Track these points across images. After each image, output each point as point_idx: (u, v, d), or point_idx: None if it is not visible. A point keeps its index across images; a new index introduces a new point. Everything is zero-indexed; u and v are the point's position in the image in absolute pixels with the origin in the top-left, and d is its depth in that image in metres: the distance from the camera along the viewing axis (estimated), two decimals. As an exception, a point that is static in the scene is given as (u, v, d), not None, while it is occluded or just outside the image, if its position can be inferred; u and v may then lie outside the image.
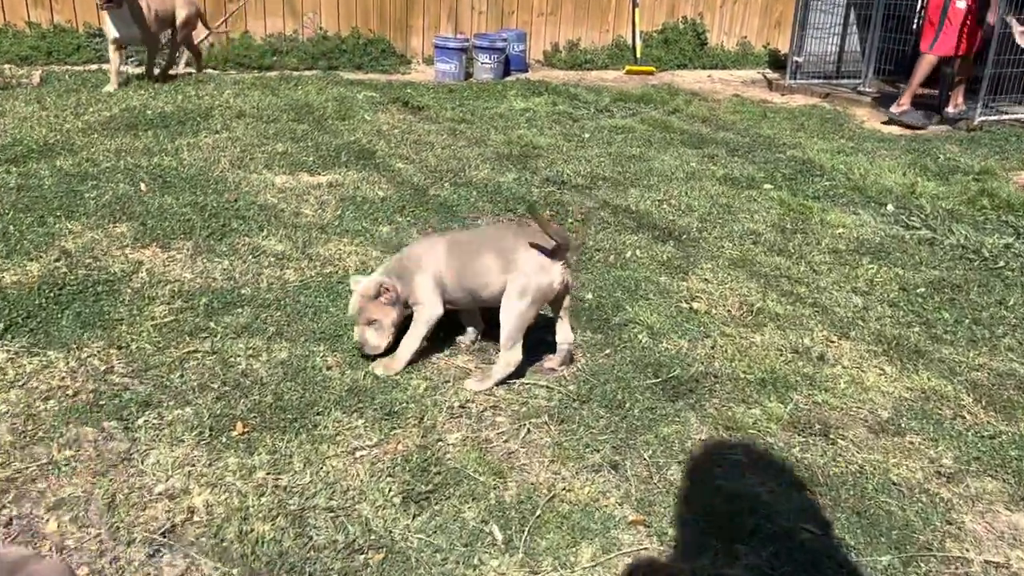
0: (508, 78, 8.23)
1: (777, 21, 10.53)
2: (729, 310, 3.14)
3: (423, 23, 8.46)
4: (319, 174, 4.43)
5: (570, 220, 4.02)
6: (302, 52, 7.86)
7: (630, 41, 9.50)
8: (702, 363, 2.71)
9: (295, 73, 7.41)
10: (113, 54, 5.87)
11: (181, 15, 6.20)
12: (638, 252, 3.67)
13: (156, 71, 6.35)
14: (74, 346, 2.39)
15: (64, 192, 3.65)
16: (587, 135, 5.82)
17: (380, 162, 4.73)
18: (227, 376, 2.35)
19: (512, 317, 2.39)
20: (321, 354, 2.53)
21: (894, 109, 6.93)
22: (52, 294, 2.68)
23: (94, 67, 6.75)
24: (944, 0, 6.56)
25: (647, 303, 3.13)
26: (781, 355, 2.81)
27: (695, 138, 5.96)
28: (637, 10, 9.41)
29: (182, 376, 2.32)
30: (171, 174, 4.08)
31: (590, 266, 3.48)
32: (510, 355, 2.42)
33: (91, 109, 5.23)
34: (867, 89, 8.26)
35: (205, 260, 3.15)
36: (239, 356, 2.44)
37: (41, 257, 2.98)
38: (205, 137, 4.86)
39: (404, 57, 8.44)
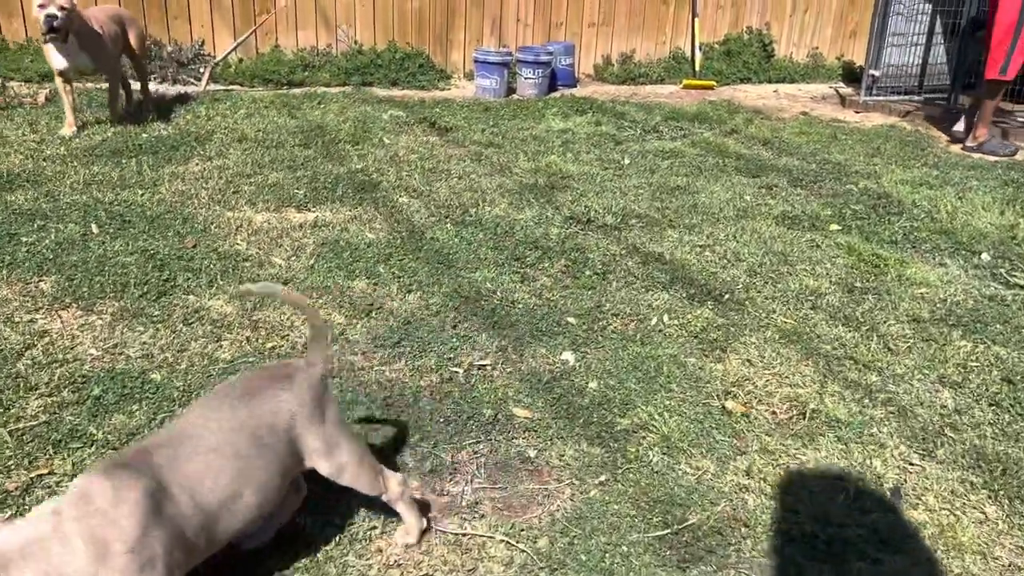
0: (553, 94, 7.59)
1: (852, 31, 9.58)
2: (774, 411, 2.41)
3: (465, 36, 7.90)
4: (308, 210, 3.88)
5: (588, 272, 3.34)
6: (335, 67, 7.39)
7: (689, 53, 8.73)
8: (730, 501, 1.99)
9: (324, 90, 6.93)
10: (63, 89, 4.78)
11: (132, 32, 5.24)
12: (666, 319, 2.96)
13: (122, 104, 5.30)
14: None
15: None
16: (627, 161, 5.12)
17: (382, 195, 4.14)
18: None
19: (350, 455, 1.66)
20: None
21: (970, 143, 5.98)
22: (-93, 381, 2.16)
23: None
24: (1018, 20, 5.60)
25: (667, 398, 2.43)
26: (839, 489, 2.07)
27: (752, 164, 5.19)
28: (697, 20, 8.64)
29: (18, 512, 1.75)
30: (134, 212, 3.58)
31: (601, 338, 2.79)
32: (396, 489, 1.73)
33: (83, 133, 4.82)
34: (954, 106, 7.29)
35: (126, 328, 2.60)
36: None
37: (-75, 325, 2.48)
38: (194, 165, 4.37)
39: (444, 72, 7.89)
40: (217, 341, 2.59)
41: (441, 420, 2.25)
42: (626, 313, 3.01)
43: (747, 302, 3.15)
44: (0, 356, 2.35)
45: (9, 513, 1.73)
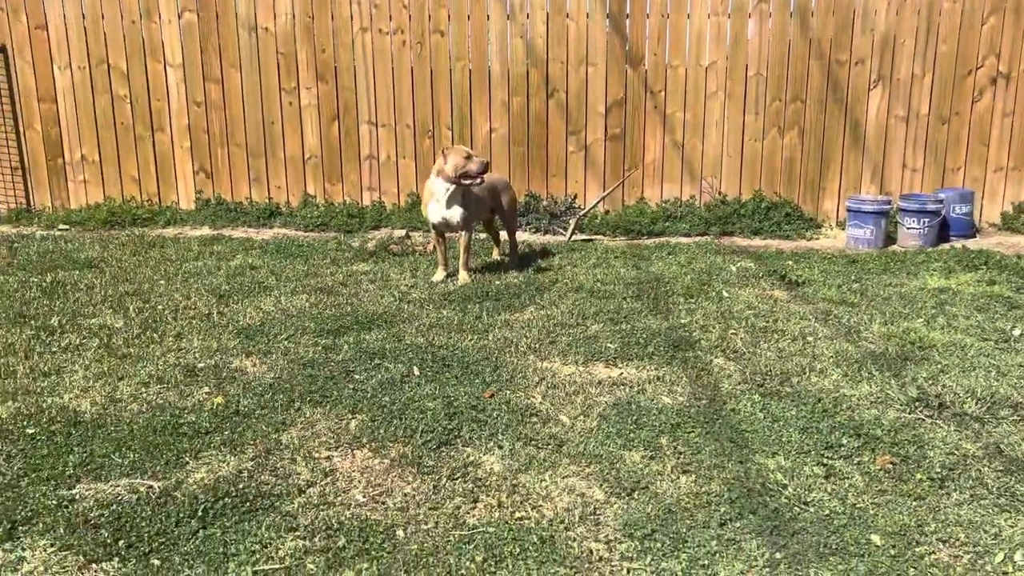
0: (943, 245, 6.61)
1: None
2: None
3: (840, 184, 7.37)
4: (615, 366, 3.78)
5: (919, 475, 2.66)
6: (696, 217, 7.40)
7: None
8: None
9: (679, 240, 6.96)
10: (436, 239, 5.46)
11: (505, 197, 5.75)
12: (1017, 560, 2.20)
13: (470, 263, 5.47)
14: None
15: (337, 373, 3.62)
16: (1018, 332, 4.14)
17: (696, 355, 3.89)
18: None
19: None
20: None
21: None
22: (207, 505, 2.47)
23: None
24: None
25: None
26: None
27: None
28: None
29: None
30: (456, 357, 3.84)
31: (912, 572, 2.15)
32: None
33: (451, 279, 5.42)
34: None
35: (397, 476, 2.71)
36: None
37: (247, 450, 2.87)
38: (528, 313, 4.60)
39: (813, 221, 7.41)
40: (473, 502, 2.56)
41: (662, 646, 1.89)
42: (960, 540, 2.30)
43: None
44: (288, 491, 2.60)
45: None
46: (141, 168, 7.84)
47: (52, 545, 2.25)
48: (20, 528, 2.33)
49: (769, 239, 7.10)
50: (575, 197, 7.59)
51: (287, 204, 7.80)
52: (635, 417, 3.16)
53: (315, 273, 5.59)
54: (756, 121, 7.32)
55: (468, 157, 5.15)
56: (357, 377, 3.59)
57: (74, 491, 2.54)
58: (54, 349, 3.91)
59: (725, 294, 5.02)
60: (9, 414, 3.12)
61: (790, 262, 5.89)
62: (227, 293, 5.01)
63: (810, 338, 4.14)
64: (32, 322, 4.33)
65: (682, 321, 4.45)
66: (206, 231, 7.33)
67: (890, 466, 2.75)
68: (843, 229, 7.14)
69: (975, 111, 7.07)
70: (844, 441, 2.92)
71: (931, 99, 7.09)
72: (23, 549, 2.24)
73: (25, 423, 3.03)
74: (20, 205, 7.96)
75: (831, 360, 3.81)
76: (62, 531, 2.31)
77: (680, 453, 2.87)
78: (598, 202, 7.24)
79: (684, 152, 7.45)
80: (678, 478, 2.69)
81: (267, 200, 7.81)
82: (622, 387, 3.51)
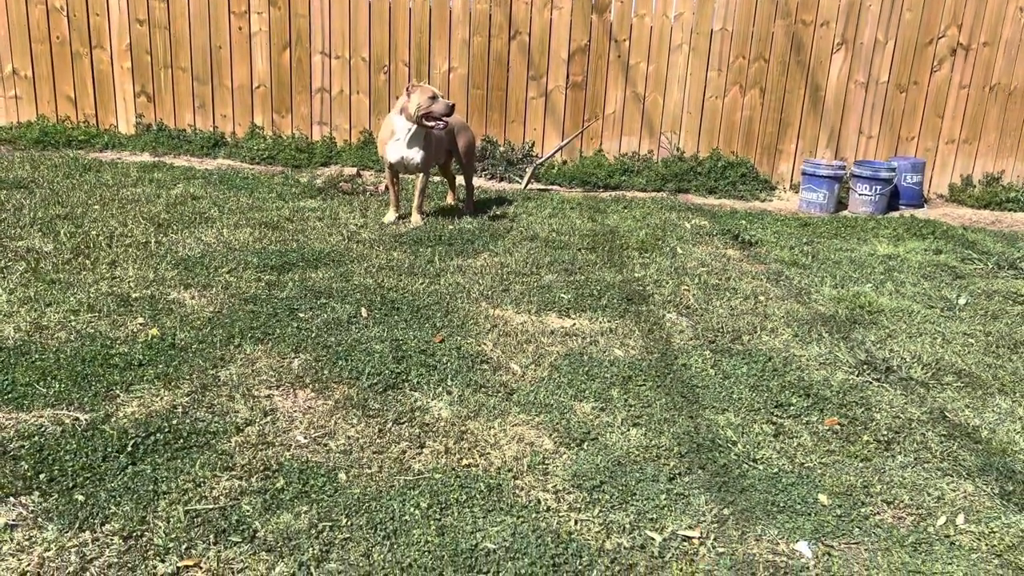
0: (892, 213, 6.70)
1: None
2: None
3: (796, 147, 7.37)
4: (568, 316, 3.72)
5: (866, 437, 2.68)
6: (653, 173, 7.34)
7: (1085, 175, 7.18)
8: None
9: (635, 194, 6.90)
10: (390, 180, 5.27)
11: (461, 140, 5.58)
12: (961, 521, 2.22)
13: (423, 206, 5.39)
14: (84, 526, 1.97)
15: (281, 310, 3.47)
16: (963, 300, 4.21)
17: (649, 310, 3.85)
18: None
19: None
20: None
21: None
22: (138, 440, 2.34)
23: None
24: None
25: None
26: None
27: None
28: (1100, 135, 7.10)
29: (153, 596, 1.73)
30: (406, 300, 3.72)
31: (858, 531, 2.16)
32: None
33: (401, 220, 5.26)
34: None
35: (340, 419, 2.61)
36: (239, 583, 1.78)
37: (182, 385, 2.73)
38: (480, 260, 4.50)
39: (768, 183, 7.42)
40: (419, 448, 2.48)
41: (609, 599, 1.85)
42: (904, 502, 2.32)
43: (1097, 520, 2.26)
44: (224, 429, 2.48)
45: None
46: (78, 87, 7.40)
47: (-35, 477, 2.10)
48: (-70, 458, 2.17)
49: (724, 199, 7.10)
50: (533, 145, 7.45)
51: (233, 135, 7.47)
52: (587, 368, 3.11)
53: (260, 207, 5.37)
54: (719, 78, 7.25)
55: (433, 98, 4.95)
56: (301, 315, 3.46)
57: (-8, 421, 2.38)
58: (-25, 271, 3.67)
59: (679, 250, 4.99)
60: (-78, 337, 2.91)
61: (744, 222, 5.89)
62: (166, 222, 4.77)
63: (761, 297, 4.15)
64: (-48, 241, 4.05)
65: (636, 275, 4.41)
66: (146, 157, 6.99)
67: (838, 427, 2.76)
68: (796, 192, 7.19)
69: (933, 81, 7.11)
70: (793, 400, 2.93)
71: (892, 66, 7.10)
72: (-67, 480, 2.08)
73: (-60, 347, 2.83)
74: (-57, 118, 7.46)
75: (782, 320, 3.81)
76: (-23, 463, 2.16)
77: (631, 406, 2.83)
78: (557, 151, 7.11)
79: (645, 105, 7.35)
80: (628, 431, 2.66)
81: (212, 129, 7.47)
82: (574, 338, 3.46)
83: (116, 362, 2.83)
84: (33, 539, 1.89)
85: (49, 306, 3.32)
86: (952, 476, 2.48)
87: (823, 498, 2.32)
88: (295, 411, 2.65)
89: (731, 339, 3.53)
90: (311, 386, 2.83)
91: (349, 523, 2.05)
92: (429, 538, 2.01)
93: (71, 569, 1.80)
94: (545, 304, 3.84)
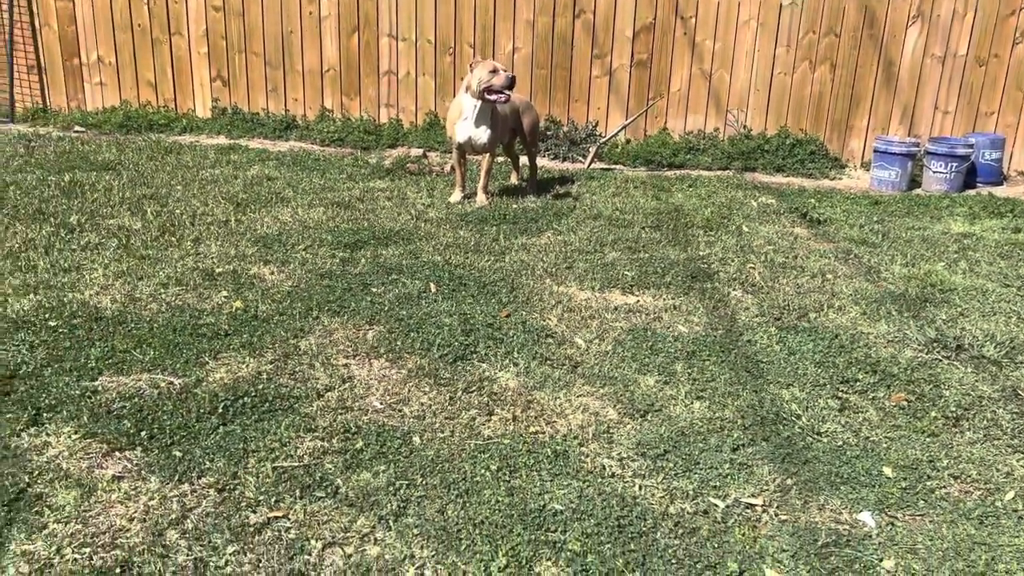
0: (968, 191, 6.51)
1: None
2: None
3: (868, 123, 7.20)
4: (632, 293, 3.77)
5: (934, 413, 2.67)
6: (719, 151, 7.27)
7: None
8: None
9: (701, 173, 6.86)
10: (457, 160, 5.34)
11: (526, 119, 5.64)
12: (1029, 497, 2.22)
13: (488, 186, 5.46)
14: (183, 479, 2.13)
15: (355, 285, 3.62)
16: (1041, 280, 4.10)
17: (714, 287, 3.87)
18: (280, 568, 1.84)
19: None
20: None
21: None
22: (228, 403, 2.50)
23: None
24: None
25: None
26: None
27: None
28: None
29: (236, 560, 1.87)
30: (472, 276, 3.83)
31: (923, 504, 2.17)
32: None
33: (468, 200, 5.37)
34: None
35: (413, 387, 2.74)
36: (312, 544, 1.91)
37: (266, 354, 2.89)
38: (544, 238, 4.57)
39: (838, 161, 7.27)
40: (488, 415, 2.59)
41: (673, 560, 1.92)
42: (971, 477, 2.32)
43: None
44: (306, 394, 2.62)
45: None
46: (158, 73, 7.72)
47: (76, 432, 2.29)
48: (45, 415, 2.37)
49: (792, 177, 7.00)
50: (596, 124, 7.46)
51: (304, 117, 7.69)
52: (650, 343, 3.17)
53: (332, 187, 5.55)
54: (787, 54, 7.12)
55: (494, 71, 5.01)
56: (374, 290, 3.59)
57: (96, 383, 2.58)
58: (74, 247, 3.91)
59: (745, 229, 4.97)
60: (31, 306, 3.14)
61: (812, 200, 5.81)
62: (244, 202, 4.98)
63: (829, 276, 4.11)
64: (51, 219, 4.32)
65: (701, 253, 4.42)
66: (222, 140, 7.26)
67: (905, 403, 2.75)
68: (867, 170, 7.03)
69: (1015, 54, 6.84)
70: (860, 376, 2.93)
71: (971, 39, 6.86)
72: (48, 435, 2.28)
73: (47, 316, 3.05)
74: (36, 104, 7.88)
75: (850, 298, 3.79)
76: (86, 419, 2.35)
77: (695, 380, 2.88)
78: (621, 129, 7.11)
79: (711, 83, 7.28)
80: (692, 403, 2.71)
81: (284, 112, 7.70)
82: (638, 314, 3.51)
83: (204, 332, 3.01)
84: (138, 489, 2.06)
85: (141, 280, 3.54)
86: (1023, 453, 2.46)
87: (888, 471, 2.33)
88: (371, 379, 2.78)
89: (797, 316, 3.53)
90: (385, 356, 2.96)
91: (424, 482, 2.17)
92: (499, 498, 2.11)
93: (173, 517, 1.96)
94: (609, 281, 3.90)
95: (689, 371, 2.94)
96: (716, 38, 7.16)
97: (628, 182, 6.24)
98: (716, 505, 2.15)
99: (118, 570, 1.76)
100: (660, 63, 7.25)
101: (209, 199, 4.99)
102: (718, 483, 2.25)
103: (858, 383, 2.88)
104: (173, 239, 4.15)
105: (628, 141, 7.44)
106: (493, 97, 5.03)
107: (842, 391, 2.83)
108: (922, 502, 2.20)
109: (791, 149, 7.24)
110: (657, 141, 7.39)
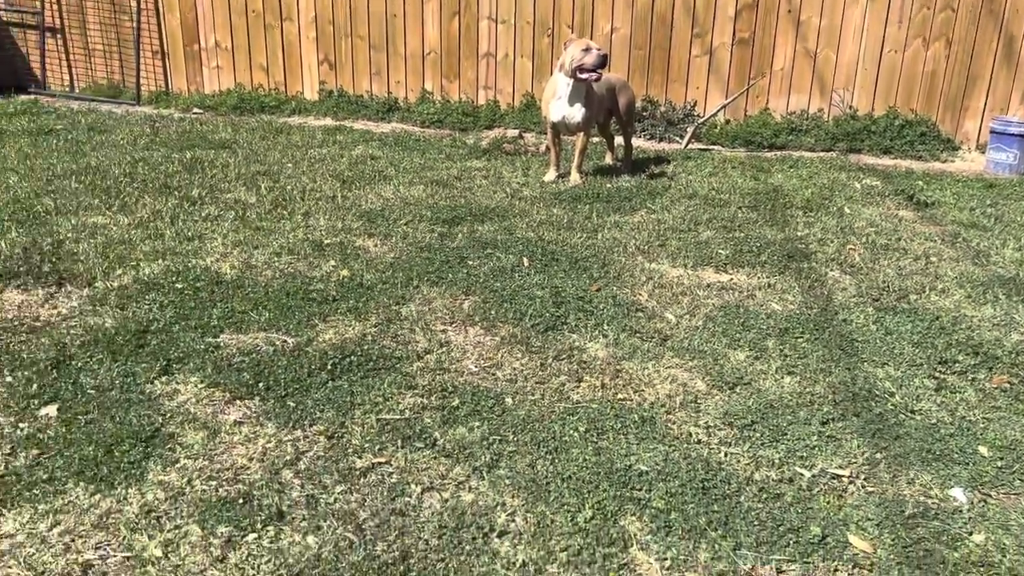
0: (1096, 174, 6.12)
1: None
2: None
3: (984, 103, 6.85)
4: (725, 272, 3.78)
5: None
6: (822, 132, 7.08)
7: None
8: None
9: (803, 154, 6.71)
10: (552, 140, 5.41)
11: (622, 99, 5.61)
12: None
13: (583, 165, 5.46)
14: (296, 425, 2.32)
15: (452, 258, 3.77)
16: None
17: (811, 267, 3.83)
18: (383, 507, 1.99)
19: None
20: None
21: None
22: (336, 360, 2.69)
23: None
24: None
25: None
26: None
27: None
28: None
29: (344, 498, 2.04)
30: (564, 252, 3.92)
31: (1020, 483, 2.14)
32: None
33: (561, 179, 5.45)
34: None
35: (506, 353, 2.86)
36: (412, 488, 2.05)
37: (370, 318, 3.07)
38: (637, 216, 4.61)
39: (950, 142, 6.96)
40: (577, 381, 2.68)
41: (755, 522, 1.97)
42: (1074, 462, 2.26)
43: None
44: (407, 355, 2.78)
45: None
46: (269, 57, 8.11)
47: (202, 382, 2.51)
48: (174, 366, 2.61)
49: (900, 159, 6.74)
50: (695, 104, 7.38)
51: (405, 99, 7.92)
52: (742, 320, 3.18)
53: (431, 167, 5.73)
54: (899, 31, 6.84)
55: (587, 50, 5.05)
56: (470, 263, 3.73)
57: (218, 339, 2.81)
58: (196, 218, 4.22)
59: (847, 210, 4.86)
60: (160, 270, 3.43)
61: (920, 183, 5.61)
62: (349, 179, 5.22)
63: (934, 258, 3.99)
64: (176, 193, 4.67)
65: (799, 233, 4.36)
66: (328, 121, 7.57)
67: (1007, 385, 2.68)
68: (982, 153, 6.69)
69: None
70: (960, 358, 2.86)
71: (1104, 12, 6.41)
72: (177, 383, 2.51)
73: (174, 279, 3.33)
74: (159, 88, 8.41)
75: (954, 281, 3.68)
76: (210, 371, 2.58)
77: (786, 356, 2.88)
78: (720, 109, 7.01)
79: (816, 62, 7.08)
80: (782, 378, 2.72)
81: (386, 94, 7.95)
82: (731, 292, 3.52)
83: (314, 297, 3.22)
84: (257, 433, 2.26)
85: (256, 248, 3.79)
86: None
87: (983, 450, 2.30)
88: (466, 344, 2.92)
89: (897, 297, 3.46)
90: (480, 324, 3.09)
91: (515, 439, 2.29)
92: (587, 457, 2.20)
93: (287, 458, 2.15)
94: (702, 259, 3.91)
95: (781, 347, 2.95)
96: (822, 15, 6.95)
97: (726, 162, 6.17)
98: (802, 474, 2.18)
99: (240, 501, 1.95)
100: (762, 41, 7.10)
101: (317, 176, 5.25)
102: (805, 454, 2.27)
103: (957, 364, 2.82)
104: (285, 212, 4.41)
105: (727, 121, 7.34)
106: (585, 76, 5.06)
107: (939, 371, 2.78)
108: (1018, 481, 2.16)
109: (900, 130, 6.97)
110: (757, 121, 7.25)
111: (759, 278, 3.68)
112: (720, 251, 4.01)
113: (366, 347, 2.80)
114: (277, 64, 8.12)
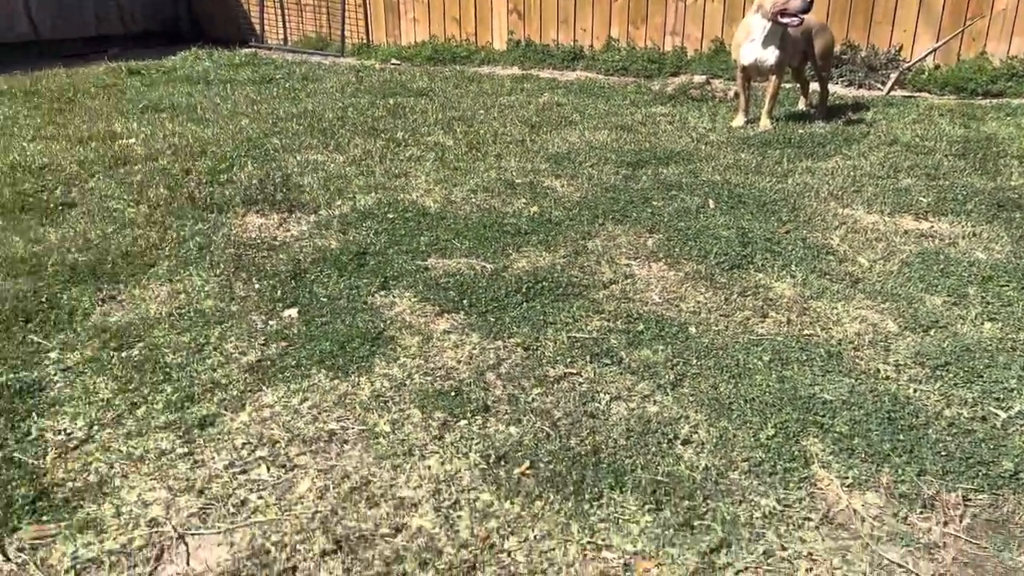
0: None
1: None
2: None
3: None
4: (925, 219, 3.63)
5: None
6: (1049, 76, 6.43)
7: None
8: None
9: (1016, 101, 6.14)
10: (741, 84, 5.34)
11: (818, 43, 5.36)
12: None
13: (773, 110, 5.40)
14: (496, 337, 2.56)
15: (636, 199, 3.87)
16: None
17: (1022, 218, 3.59)
18: (575, 409, 2.18)
19: None
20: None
21: None
22: (529, 285, 2.91)
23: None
24: None
25: None
26: None
27: None
28: None
29: (540, 399, 2.25)
30: (752, 195, 3.91)
31: None
32: None
33: (750, 125, 5.36)
34: None
35: (690, 287, 2.95)
36: (601, 397, 2.23)
37: (559, 250, 3.26)
38: (831, 162, 4.48)
39: None
40: (762, 316, 2.74)
41: (943, 453, 1.98)
42: None
43: None
44: (592, 284, 2.96)
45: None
46: (461, 9, 8.44)
47: (415, 297, 2.82)
48: (391, 282, 2.94)
49: None
50: (900, 48, 6.92)
51: (591, 47, 7.99)
52: (941, 267, 3.07)
53: (616, 113, 5.81)
54: None
55: None
56: (654, 203, 3.82)
57: (427, 262, 3.12)
58: (401, 158, 4.59)
59: (1071, 160, 4.45)
60: (374, 202, 3.81)
61: None
62: (537, 124, 5.42)
63: None
64: (382, 135, 5.08)
65: (1013, 183, 4.07)
66: (515, 71, 7.81)
67: None
68: None
69: None
70: None
71: None
72: (393, 297, 2.84)
73: (386, 210, 3.69)
74: (361, 40, 9.01)
75: None
76: (421, 288, 2.88)
77: (988, 303, 2.77)
78: (930, 52, 6.54)
79: (1047, -3, 6.39)
80: (982, 324, 2.64)
81: (572, 43, 8.06)
82: (931, 239, 3.39)
83: (508, 229, 3.46)
84: (463, 341, 2.53)
85: (455, 186, 4.09)
86: None
87: None
88: (650, 278, 3.04)
89: (1123, 251, 3.19)
90: (663, 260, 3.20)
91: (699, 363, 2.40)
92: (770, 383, 2.28)
93: (490, 363, 2.39)
94: (900, 206, 3.77)
95: (983, 295, 2.83)
96: (1058, -56, 6.25)
97: (932, 109, 5.78)
98: (997, 414, 2.14)
99: (452, 394, 2.22)
100: (983, -23, 6.50)
101: (507, 121, 5.50)
102: (1001, 396, 2.22)
103: None
104: (479, 154, 4.68)
105: (937, 67, 6.83)
106: (787, 20, 4.91)
107: None
108: None
109: None
110: (972, 67, 6.70)
111: (963, 227, 3.51)
112: (921, 199, 3.84)
113: (556, 275, 3.00)
114: (468, 15, 8.44)
